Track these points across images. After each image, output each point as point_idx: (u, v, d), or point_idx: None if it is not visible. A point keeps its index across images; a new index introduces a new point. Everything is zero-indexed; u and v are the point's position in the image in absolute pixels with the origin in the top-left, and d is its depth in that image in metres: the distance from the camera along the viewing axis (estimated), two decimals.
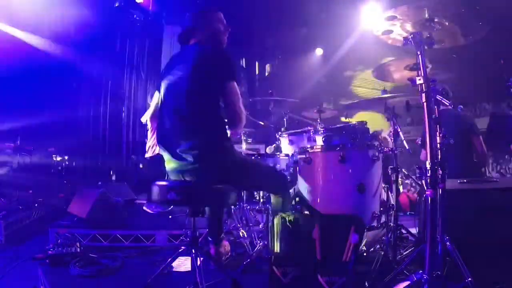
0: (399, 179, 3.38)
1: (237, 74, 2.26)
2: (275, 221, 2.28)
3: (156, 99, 2.59)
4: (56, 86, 7.49)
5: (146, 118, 5.94)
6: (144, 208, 4.91)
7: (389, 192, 3.04)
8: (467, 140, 3.50)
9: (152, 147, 5.78)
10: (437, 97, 2.13)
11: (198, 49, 2.31)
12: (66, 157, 7.85)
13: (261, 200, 3.51)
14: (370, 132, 3.11)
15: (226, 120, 2.25)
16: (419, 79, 1.97)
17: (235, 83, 2.21)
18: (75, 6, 5.88)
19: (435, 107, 2.07)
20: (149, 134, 5.95)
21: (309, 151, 2.89)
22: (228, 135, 2.30)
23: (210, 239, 2.74)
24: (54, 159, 7.71)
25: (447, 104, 2.34)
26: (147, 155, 5.84)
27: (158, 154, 5.24)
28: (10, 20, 5.54)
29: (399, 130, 3.00)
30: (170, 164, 2.33)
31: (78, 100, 8.58)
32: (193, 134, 2.20)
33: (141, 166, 4.97)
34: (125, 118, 8.98)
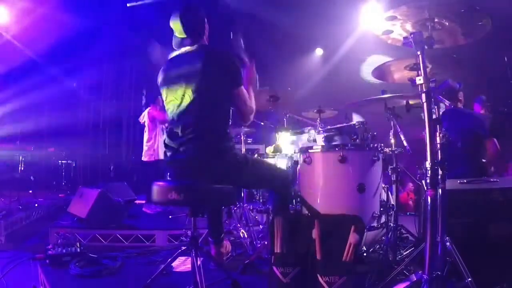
0: None
1: (241, 78, 2.31)
2: (275, 221, 2.28)
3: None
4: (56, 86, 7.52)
5: (144, 119, 5.94)
6: (144, 209, 4.92)
7: (389, 192, 3.04)
8: (475, 140, 3.44)
9: (149, 150, 5.77)
10: (438, 97, 2.13)
11: (201, 53, 2.30)
12: (65, 157, 7.86)
13: (261, 200, 3.51)
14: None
15: (230, 120, 2.34)
16: (419, 79, 1.97)
17: (242, 88, 2.29)
18: None
19: (435, 106, 2.07)
20: (145, 136, 5.93)
21: (309, 151, 2.89)
22: (230, 135, 2.32)
23: (210, 239, 2.74)
24: (54, 159, 7.72)
25: (448, 103, 2.33)
26: (144, 158, 5.82)
27: (155, 158, 5.21)
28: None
29: (399, 130, 3.00)
30: (170, 164, 2.33)
31: (78, 100, 8.60)
32: (195, 135, 2.20)
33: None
34: (126, 119, 9.00)
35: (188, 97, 2.24)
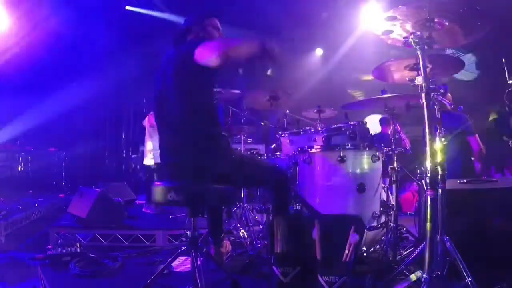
0: None
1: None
2: (275, 221, 2.28)
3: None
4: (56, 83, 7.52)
5: (145, 122, 5.92)
6: (144, 210, 4.93)
7: (389, 192, 3.04)
8: (463, 139, 3.52)
9: (150, 152, 5.76)
10: (438, 98, 2.13)
11: (179, 50, 2.29)
12: (65, 157, 7.86)
13: (261, 200, 3.50)
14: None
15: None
16: (419, 79, 1.97)
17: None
18: None
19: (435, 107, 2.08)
20: (146, 139, 5.93)
21: (309, 151, 2.89)
22: (220, 133, 2.29)
23: (210, 239, 2.74)
24: (54, 159, 7.72)
25: (447, 104, 2.34)
26: (145, 162, 5.80)
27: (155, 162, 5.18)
28: None
29: (399, 130, 3.00)
30: (169, 165, 2.32)
31: (78, 101, 8.59)
32: (190, 135, 2.20)
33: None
34: (125, 119, 9.01)
35: (174, 97, 2.21)
